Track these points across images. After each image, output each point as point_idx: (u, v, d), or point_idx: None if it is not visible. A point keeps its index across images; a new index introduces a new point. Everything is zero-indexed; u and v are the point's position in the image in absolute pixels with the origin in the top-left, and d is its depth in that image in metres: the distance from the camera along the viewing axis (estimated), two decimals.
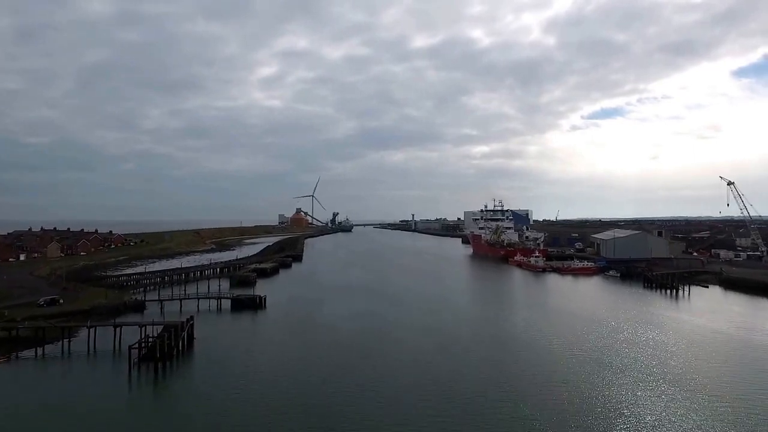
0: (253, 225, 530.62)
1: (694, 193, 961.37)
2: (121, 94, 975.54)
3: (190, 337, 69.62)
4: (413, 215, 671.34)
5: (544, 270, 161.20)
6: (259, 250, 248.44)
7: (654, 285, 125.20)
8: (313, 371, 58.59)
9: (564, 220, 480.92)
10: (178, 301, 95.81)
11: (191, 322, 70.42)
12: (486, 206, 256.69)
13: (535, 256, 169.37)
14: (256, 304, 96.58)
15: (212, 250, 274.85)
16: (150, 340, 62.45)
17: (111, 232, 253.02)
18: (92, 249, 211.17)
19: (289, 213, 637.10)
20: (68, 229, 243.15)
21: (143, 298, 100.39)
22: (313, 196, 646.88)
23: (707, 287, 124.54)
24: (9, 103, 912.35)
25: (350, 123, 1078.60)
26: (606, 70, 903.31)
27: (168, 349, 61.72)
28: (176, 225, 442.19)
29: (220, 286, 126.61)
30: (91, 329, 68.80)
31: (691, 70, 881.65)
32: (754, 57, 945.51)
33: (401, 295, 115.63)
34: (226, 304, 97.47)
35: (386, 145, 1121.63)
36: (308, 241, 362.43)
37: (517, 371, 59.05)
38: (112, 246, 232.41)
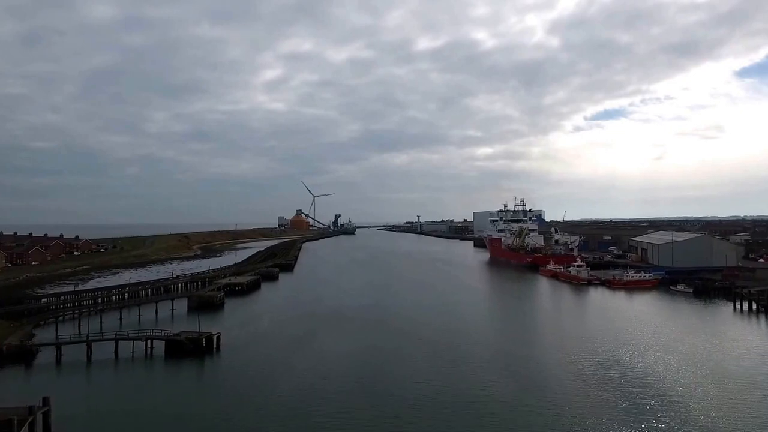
0: (251, 228, 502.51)
1: (699, 193, 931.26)
2: (126, 98, 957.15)
3: None
4: (419, 217, 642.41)
5: (589, 282, 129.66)
6: (248, 257, 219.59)
7: (751, 307, 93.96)
8: None
9: (572, 221, 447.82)
10: (85, 344, 64.02)
11: (45, 409, 38.93)
12: (505, 205, 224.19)
13: (578, 265, 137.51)
14: (202, 348, 65.26)
15: (196, 257, 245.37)
16: None
17: (77, 237, 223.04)
18: (49, 257, 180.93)
19: (291, 215, 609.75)
20: (30, 234, 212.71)
21: (56, 337, 68.66)
22: (314, 197, 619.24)
23: None
24: (14, 107, 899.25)
25: (354, 125, 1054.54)
26: (609, 71, 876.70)
27: None
28: (177, 228, 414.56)
29: (173, 310, 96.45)
30: None
31: (694, 71, 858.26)
32: (757, 57, 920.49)
33: (414, 325, 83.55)
34: (160, 346, 66.47)
35: (390, 148, 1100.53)
36: (306, 245, 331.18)
37: None
38: (77, 253, 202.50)
